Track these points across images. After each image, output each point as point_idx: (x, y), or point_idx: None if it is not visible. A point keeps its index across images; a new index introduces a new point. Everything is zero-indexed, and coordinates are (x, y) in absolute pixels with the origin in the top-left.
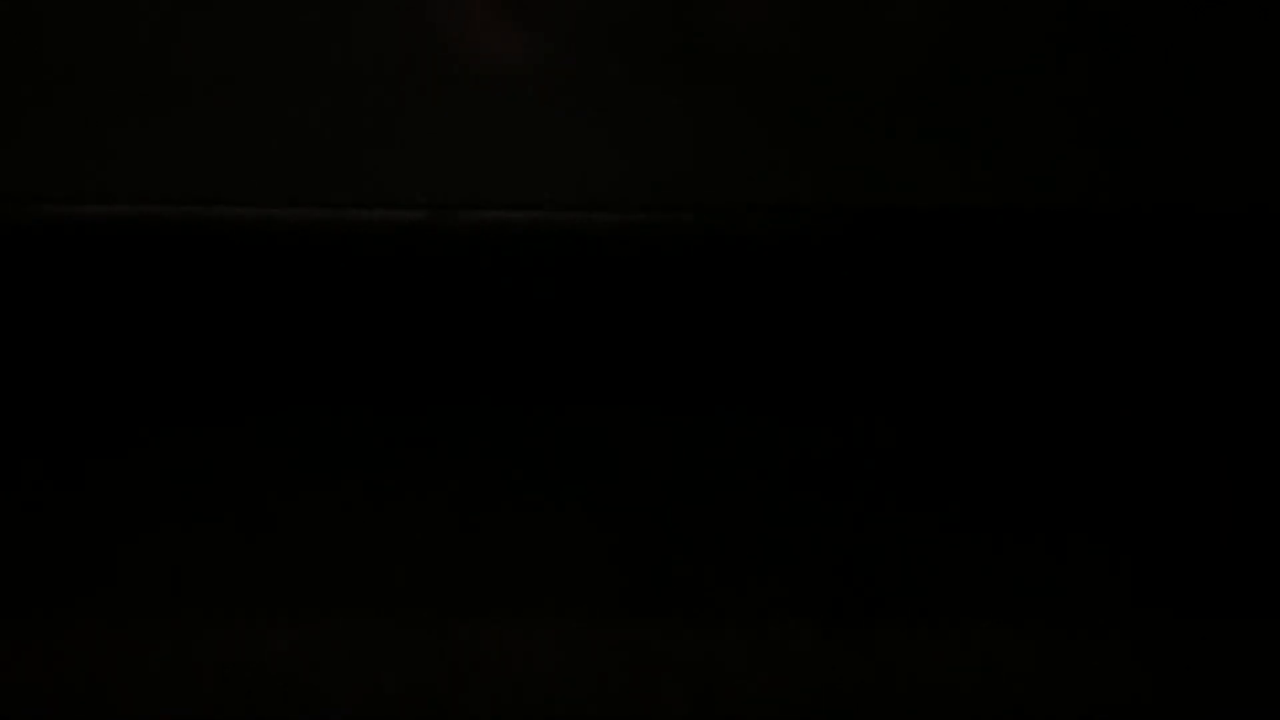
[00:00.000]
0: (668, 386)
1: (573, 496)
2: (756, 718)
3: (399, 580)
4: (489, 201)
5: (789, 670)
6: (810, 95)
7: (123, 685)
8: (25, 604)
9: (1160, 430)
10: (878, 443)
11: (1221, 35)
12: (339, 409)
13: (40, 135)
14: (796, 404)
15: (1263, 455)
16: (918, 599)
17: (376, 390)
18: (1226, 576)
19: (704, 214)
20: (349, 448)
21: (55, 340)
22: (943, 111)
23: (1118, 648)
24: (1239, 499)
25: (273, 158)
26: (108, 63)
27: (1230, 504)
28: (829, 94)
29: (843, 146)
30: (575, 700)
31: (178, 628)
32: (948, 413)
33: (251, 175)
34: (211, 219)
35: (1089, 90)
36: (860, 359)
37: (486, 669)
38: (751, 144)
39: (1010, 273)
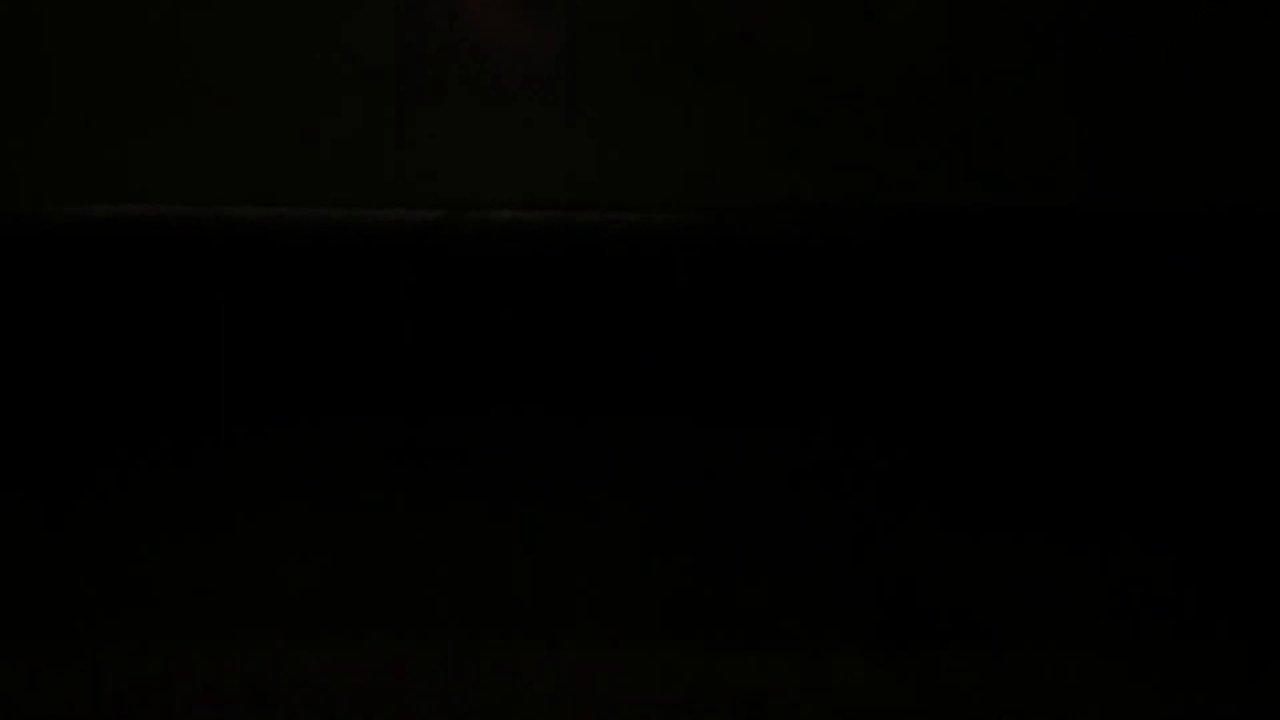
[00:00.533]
0: (706, 398)
1: (616, 518)
2: None
3: (436, 604)
4: (502, 201)
5: (840, 698)
6: (825, 99)
7: (153, 708)
8: (54, 626)
9: (1216, 450)
10: (930, 465)
11: (1224, 41)
12: (372, 420)
13: (63, 137)
14: (846, 419)
15: None
16: (970, 624)
17: (407, 400)
18: None
19: (719, 214)
20: (384, 461)
21: (75, 351)
22: (957, 115)
23: (1174, 672)
24: None
25: (289, 160)
26: (134, 67)
27: None
28: (844, 99)
29: (862, 149)
30: None
31: (209, 650)
32: (1001, 434)
33: (269, 177)
34: (226, 219)
35: (1091, 95)
36: (904, 371)
37: (527, 697)
38: (764, 146)
39: (1045, 275)
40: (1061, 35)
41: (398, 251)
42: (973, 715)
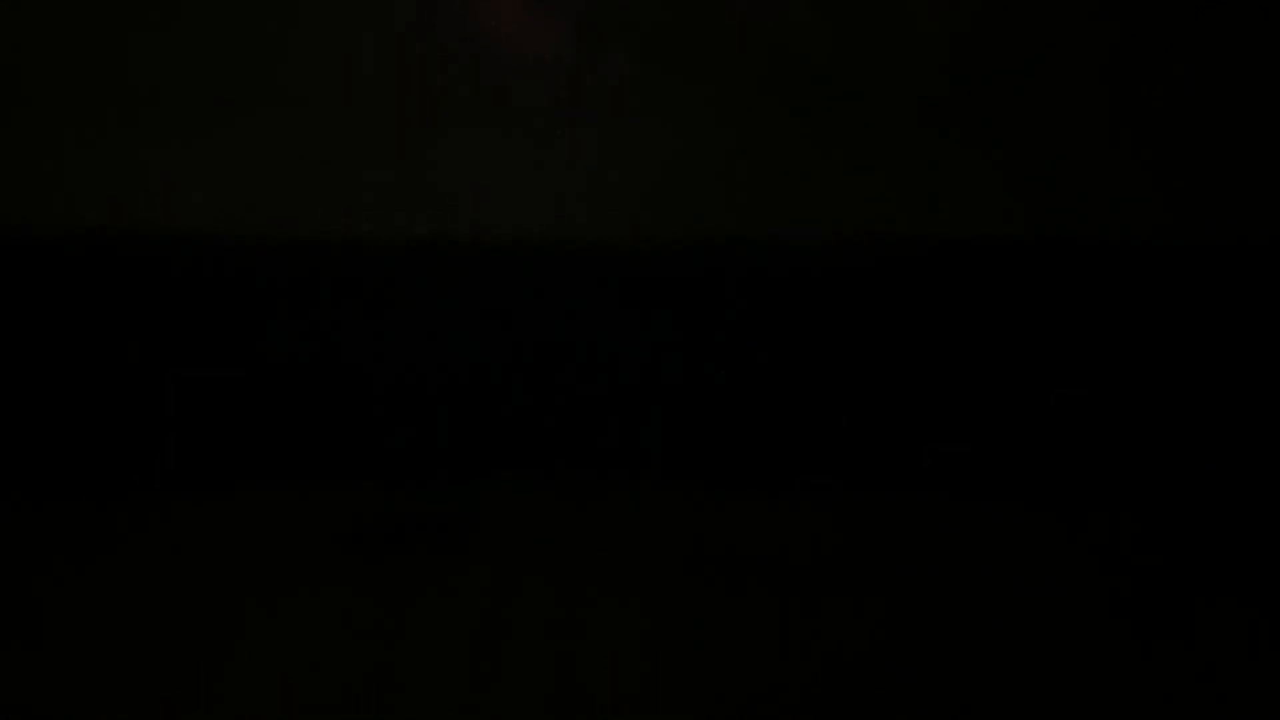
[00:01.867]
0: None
1: (626, 613)
2: None
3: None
4: (496, 221)
5: None
6: (849, 125)
7: None
8: None
9: None
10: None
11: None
12: (362, 486)
13: (60, 153)
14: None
15: None
16: None
17: (395, 465)
18: None
19: (723, 240)
20: (371, 537)
21: (49, 391)
22: (998, 146)
23: None
24: None
25: (281, 180)
26: (132, 91)
27: None
28: (868, 123)
29: (884, 178)
30: None
31: None
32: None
33: (263, 197)
34: (223, 237)
35: (1112, 126)
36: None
37: None
38: (763, 172)
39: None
40: (1102, 76)
41: (390, 275)
42: None
